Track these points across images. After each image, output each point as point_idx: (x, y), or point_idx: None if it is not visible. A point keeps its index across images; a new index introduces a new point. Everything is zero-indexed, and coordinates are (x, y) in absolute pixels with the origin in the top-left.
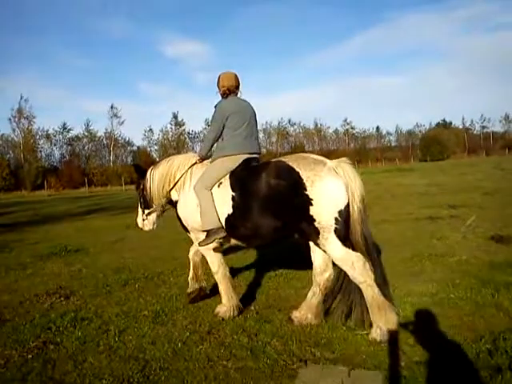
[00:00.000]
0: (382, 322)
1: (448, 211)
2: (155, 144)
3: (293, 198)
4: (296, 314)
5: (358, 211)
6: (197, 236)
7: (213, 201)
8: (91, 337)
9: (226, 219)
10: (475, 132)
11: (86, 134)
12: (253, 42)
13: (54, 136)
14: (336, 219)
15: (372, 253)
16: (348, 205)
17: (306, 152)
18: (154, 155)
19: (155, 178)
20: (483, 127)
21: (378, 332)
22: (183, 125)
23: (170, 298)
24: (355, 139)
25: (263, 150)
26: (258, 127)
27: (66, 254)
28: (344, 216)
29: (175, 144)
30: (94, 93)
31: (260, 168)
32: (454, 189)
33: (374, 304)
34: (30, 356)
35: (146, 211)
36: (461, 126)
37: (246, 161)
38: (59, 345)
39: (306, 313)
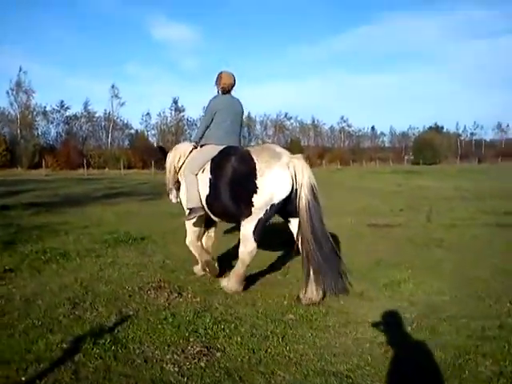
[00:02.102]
0: (231, 282)
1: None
2: (152, 128)
3: (246, 183)
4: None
5: (305, 199)
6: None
7: (197, 184)
8: (254, 343)
9: (205, 199)
10: (467, 138)
11: (85, 113)
12: (244, 30)
13: (52, 113)
14: (266, 210)
15: (319, 239)
16: (285, 199)
17: (301, 148)
18: (152, 140)
19: (168, 163)
20: (472, 134)
21: (225, 284)
22: (183, 111)
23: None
24: (350, 137)
25: (259, 143)
26: (256, 119)
27: (134, 242)
28: (274, 210)
29: (174, 130)
30: (82, 73)
31: (231, 154)
32: (491, 194)
33: (237, 273)
34: (202, 364)
35: (170, 187)
36: (452, 132)
37: (225, 150)
38: (224, 351)
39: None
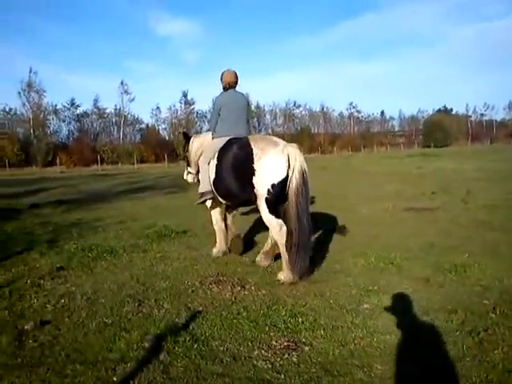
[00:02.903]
0: (285, 272)
1: None
2: (163, 122)
3: (245, 167)
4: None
5: (295, 183)
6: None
7: (208, 171)
8: (339, 336)
9: (213, 183)
10: (476, 119)
11: (95, 110)
12: (245, 22)
13: (63, 112)
14: (268, 190)
15: (302, 220)
16: (283, 180)
17: (311, 134)
18: (163, 133)
19: (193, 148)
20: (482, 115)
21: (282, 277)
22: (193, 103)
23: (367, 290)
24: (359, 123)
25: (269, 132)
26: (265, 109)
27: (176, 236)
28: (276, 189)
29: (184, 123)
30: (87, 71)
31: (233, 143)
32: None
33: (285, 260)
34: (293, 359)
35: (189, 169)
36: (461, 113)
37: (230, 140)
38: (312, 345)
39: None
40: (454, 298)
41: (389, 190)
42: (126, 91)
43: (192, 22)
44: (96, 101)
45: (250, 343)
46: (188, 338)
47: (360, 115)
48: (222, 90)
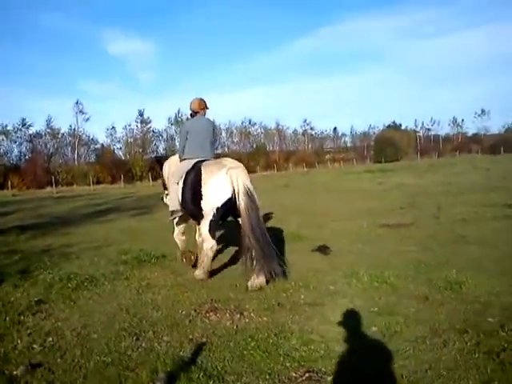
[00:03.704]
0: (199, 272)
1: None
2: (118, 142)
3: (196, 192)
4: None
5: (243, 202)
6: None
7: (177, 191)
8: (359, 363)
9: (180, 202)
10: (424, 134)
11: (49, 130)
12: (198, 41)
13: (15, 132)
14: (213, 214)
15: (255, 231)
16: (227, 202)
17: (266, 152)
18: (118, 153)
19: (166, 172)
20: (428, 130)
21: (196, 273)
22: (149, 122)
23: (369, 312)
24: (313, 140)
25: (225, 150)
26: (222, 126)
27: (156, 261)
28: (221, 211)
29: (140, 142)
30: (39, 92)
31: (193, 168)
32: (476, 188)
33: (203, 265)
34: None
35: (166, 192)
36: (409, 128)
37: (195, 163)
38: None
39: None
40: (459, 316)
41: (358, 206)
42: (81, 111)
43: (146, 42)
44: (49, 121)
45: (267, 376)
46: (201, 374)
47: (313, 132)
48: (189, 117)
